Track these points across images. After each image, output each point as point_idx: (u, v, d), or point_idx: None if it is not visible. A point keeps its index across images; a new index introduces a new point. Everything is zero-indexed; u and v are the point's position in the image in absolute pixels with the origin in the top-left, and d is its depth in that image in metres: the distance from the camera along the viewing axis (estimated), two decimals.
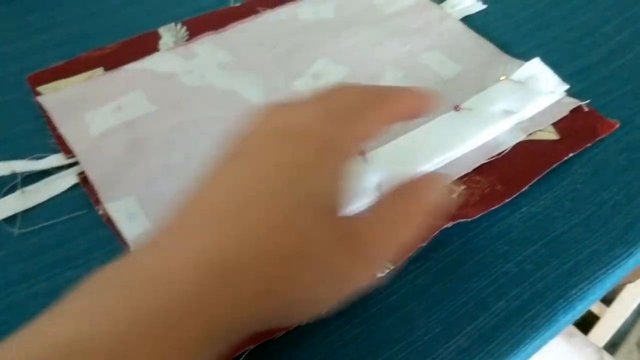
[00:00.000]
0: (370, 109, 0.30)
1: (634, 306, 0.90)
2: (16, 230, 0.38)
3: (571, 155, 0.43)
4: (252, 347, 0.33)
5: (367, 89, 0.32)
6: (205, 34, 0.51)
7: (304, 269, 0.25)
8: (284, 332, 0.33)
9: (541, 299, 0.36)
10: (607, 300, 0.91)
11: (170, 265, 0.24)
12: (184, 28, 0.52)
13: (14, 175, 0.39)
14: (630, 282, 0.87)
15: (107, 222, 0.38)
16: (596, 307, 0.92)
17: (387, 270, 0.36)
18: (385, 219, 0.29)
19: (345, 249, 0.27)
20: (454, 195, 0.40)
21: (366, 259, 0.28)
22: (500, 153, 0.43)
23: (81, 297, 0.24)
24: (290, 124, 0.28)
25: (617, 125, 0.45)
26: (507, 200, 0.40)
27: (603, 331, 0.90)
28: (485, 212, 0.39)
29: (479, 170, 0.42)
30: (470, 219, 0.38)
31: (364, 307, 0.35)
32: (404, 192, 0.31)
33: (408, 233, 0.29)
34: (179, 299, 0.23)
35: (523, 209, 0.40)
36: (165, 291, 0.23)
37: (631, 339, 0.97)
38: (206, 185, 0.27)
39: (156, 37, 0.51)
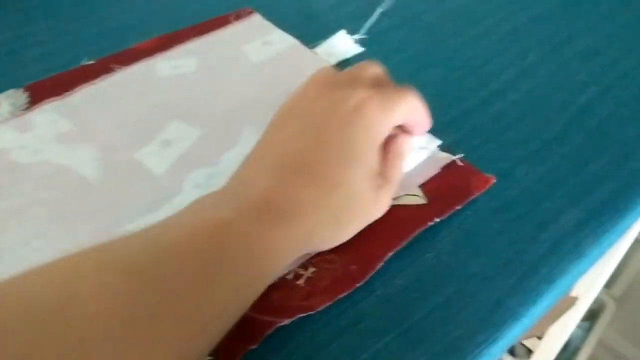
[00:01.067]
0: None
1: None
2: None
3: (437, 220, 0.38)
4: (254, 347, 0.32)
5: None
6: (47, 100, 0.46)
7: (341, 195, 0.34)
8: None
9: None
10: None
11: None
12: (26, 94, 0.47)
13: None
14: (535, 335, 0.83)
15: None
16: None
17: None
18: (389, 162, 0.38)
19: (374, 185, 0.36)
20: (301, 282, 0.36)
21: (387, 192, 0.38)
22: None
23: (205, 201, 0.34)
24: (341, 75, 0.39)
25: (493, 181, 0.41)
26: (359, 284, 0.35)
27: None
28: (332, 301, 0.34)
29: (334, 248, 0.37)
30: (313, 311, 0.34)
31: None
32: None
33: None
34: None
35: (378, 292, 0.36)
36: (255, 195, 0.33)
37: None
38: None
39: None
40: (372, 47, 0.51)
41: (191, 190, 0.40)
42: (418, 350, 0.33)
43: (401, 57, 0.51)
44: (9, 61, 0.50)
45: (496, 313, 0.35)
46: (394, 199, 0.40)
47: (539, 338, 0.83)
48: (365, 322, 0.34)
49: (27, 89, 0.47)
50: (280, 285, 0.36)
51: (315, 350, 0.33)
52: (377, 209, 0.37)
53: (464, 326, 0.34)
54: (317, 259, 0.37)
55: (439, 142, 0.43)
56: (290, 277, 0.36)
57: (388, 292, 0.36)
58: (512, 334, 0.35)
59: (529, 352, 0.86)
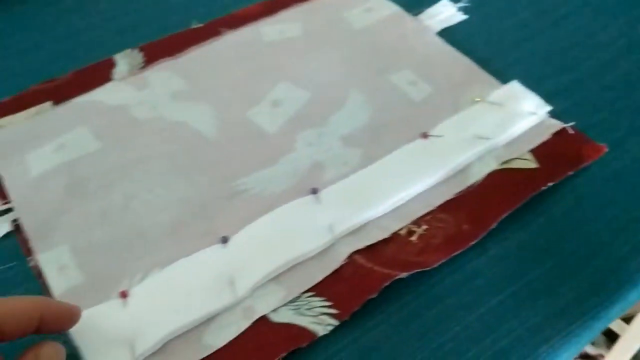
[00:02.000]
0: None
1: None
2: None
3: (550, 185, 0.38)
4: (373, 296, 0.33)
5: None
6: (161, 60, 0.48)
7: None
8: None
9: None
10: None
11: None
12: (141, 54, 0.49)
13: None
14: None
15: (38, 276, 0.36)
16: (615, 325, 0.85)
17: (330, 327, 0.32)
18: None
19: None
20: (414, 238, 0.37)
21: None
22: (470, 186, 0.39)
23: None
24: None
25: (605, 150, 0.41)
26: (473, 242, 0.36)
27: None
28: (446, 258, 0.35)
29: (445, 207, 0.38)
30: (428, 268, 0.35)
31: None
32: None
33: None
34: None
35: (491, 251, 0.36)
36: None
37: None
38: None
39: (110, 65, 0.48)
40: (475, 15, 0.51)
41: (304, 148, 0.42)
42: (532, 309, 0.34)
43: (505, 25, 0.50)
44: (125, 22, 0.52)
45: (611, 278, 0.35)
46: (505, 162, 0.40)
47: (626, 321, 0.80)
48: (479, 279, 0.35)
49: (141, 49, 0.49)
50: (394, 240, 0.36)
51: (432, 302, 0.34)
52: None
53: (577, 289, 0.34)
54: (429, 217, 0.38)
55: (548, 107, 0.42)
56: (403, 232, 0.37)
57: (501, 252, 0.36)
58: (628, 300, 0.35)
59: (611, 340, 0.83)
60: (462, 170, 0.40)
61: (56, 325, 0.30)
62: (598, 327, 0.34)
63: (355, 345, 0.32)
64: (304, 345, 0.32)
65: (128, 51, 0.49)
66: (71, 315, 0.30)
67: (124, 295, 0.34)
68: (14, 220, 0.38)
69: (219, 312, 0.33)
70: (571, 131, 0.41)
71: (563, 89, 0.45)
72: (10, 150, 0.42)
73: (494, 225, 0.36)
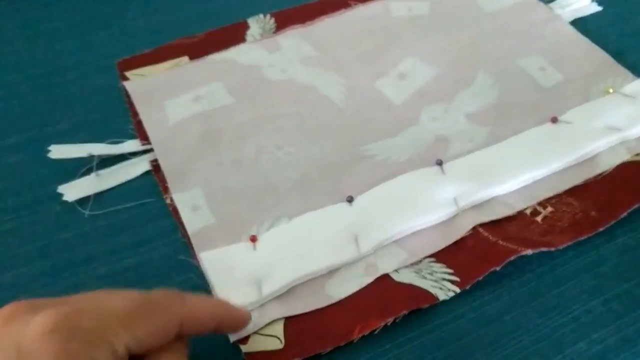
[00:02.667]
0: (127, 323, 0.25)
1: None
2: (87, 212, 0.38)
3: None
4: (496, 268, 0.33)
5: (133, 296, 0.27)
6: (292, 26, 0.50)
7: None
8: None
9: (629, 347, 0.31)
10: None
11: None
12: (272, 20, 0.51)
13: (90, 158, 0.40)
14: None
15: (173, 212, 0.38)
16: None
17: (451, 293, 0.33)
18: None
19: None
20: (539, 219, 0.36)
21: None
22: (599, 174, 0.38)
23: None
24: (17, 341, 0.23)
25: None
26: (601, 229, 0.35)
27: None
28: (572, 241, 0.35)
29: (572, 191, 0.38)
30: (554, 249, 0.34)
31: (419, 331, 0.32)
32: None
33: None
34: None
35: (619, 240, 0.36)
36: None
37: None
38: None
39: (244, 27, 0.50)
40: (610, 8, 0.50)
41: (428, 122, 0.42)
42: None
43: None
44: None
45: None
46: (637, 154, 0.39)
47: None
48: (605, 266, 0.35)
49: (273, 15, 0.51)
50: (519, 219, 0.36)
51: (554, 284, 0.34)
52: None
53: None
54: (555, 200, 0.37)
55: None
56: (528, 212, 0.37)
57: (630, 242, 0.35)
58: None
59: None
60: (592, 159, 0.39)
61: (228, 330, 0.31)
62: None
63: (475, 313, 0.33)
64: (425, 306, 0.32)
65: (261, 16, 0.51)
66: (243, 322, 0.31)
67: (253, 239, 0.36)
68: (153, 161, 0.41)
69: (342, 265, 0.35)
70: None
71: None
72: (151, 97, 0.44)
73: (624, 215, 0.36)
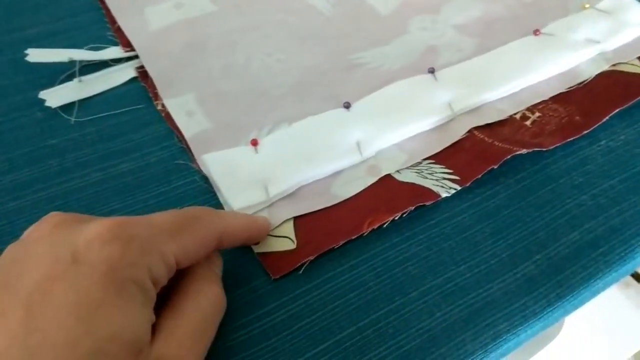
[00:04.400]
0: (174, 234, 0.25)
1: None
2: (72, 119, 0.36)
3: None
4: (494, 167, 0.34)
5: (174, 212, 0.27)
6: None
7: None
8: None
9: (616, 235, 0.33)
10: None
11: None
12: None
13: (71, 64, 0.38)
14: None
15: (166, 118, 0.37)
16: None
17: (452, 190, 0.34)
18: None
19: None
20: (528, 123, 0.38)
21: None
22: (581, 83, 0.40)
23: None
24: (72, 246, 0.23)
25: None
26: (586, 132, 0.37)
27: None
28: (561, 143, 0.37)
29: (557, 98, 0.39)
30: (545, 149, 0.36)
31: (425, 225, 0.33)
32: None
33: None
34: None
35: (602, 142, 0.38)
36: None
37: None
38: None
39: None
40: None
41: (417, 31, 0.42)
42: None
43: None
44: None
45: None
46: (615, 65, 0.41)
47: None
48: (591, 164, 0.36)
49: None
50: (510, 123, 0.38)
51: (546, 181, 0.36)
52: None
53: None
54: (541, 106, 0.39)
55: None
56: (517, 117, 0.38)
57: (611, 145, 0.37)
58: None
59: None
60: (573, 69, 0.41)
61: (255, 241, 0.31)
62: None
63: (476, 208, 0.34)
64: (429, 203, 0.33)
65: None
66: (265, 230, 0.31)
67: (254, 143, 0.35)
68: (139, 67, 0.39)
69: (345, 167, 0.35)
70: None
71: None
72: (128, 3, 0.42)
73: (606, 118, 0.38)
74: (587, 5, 0.44)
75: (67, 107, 0.37)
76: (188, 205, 0.33)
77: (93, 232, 0.23)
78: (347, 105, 0.37)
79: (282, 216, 0.33)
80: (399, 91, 0.38)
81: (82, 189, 0.33)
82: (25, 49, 0.39)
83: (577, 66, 0.41)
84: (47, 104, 0.36)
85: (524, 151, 0.35)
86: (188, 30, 0.41)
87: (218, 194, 0.33)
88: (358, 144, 0.35)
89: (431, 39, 0.42)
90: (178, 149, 0.36)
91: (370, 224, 0.32)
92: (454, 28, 0.43)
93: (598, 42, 0.42)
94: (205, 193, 0.34)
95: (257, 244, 0.31)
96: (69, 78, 0.38)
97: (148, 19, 0.41)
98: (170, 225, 0.25)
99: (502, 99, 0.39)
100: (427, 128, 0.37)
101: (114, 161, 0.35)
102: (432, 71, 0.39)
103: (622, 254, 0.33)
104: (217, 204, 0.33)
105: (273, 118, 0.37)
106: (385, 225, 0.32)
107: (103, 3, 0.42)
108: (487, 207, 0.34)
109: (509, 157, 0.35)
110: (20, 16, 0.41)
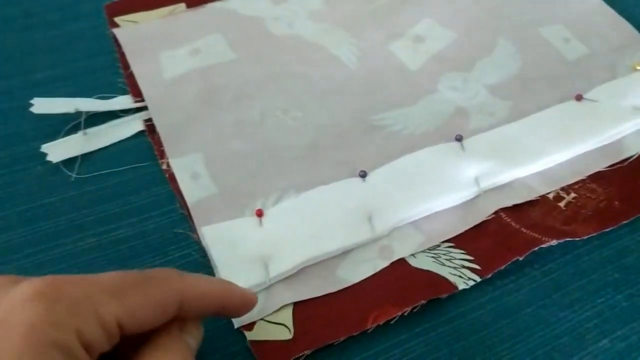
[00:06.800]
0: (118, 294, 0.22)
1: None
2: (73, 175, 0.35)
3: None
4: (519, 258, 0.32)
5: (126, 272, 0.24)
6: None
7: None
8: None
9: None
10: None
11: None
12: None
13: (77, 114, 0.36)
14: None
15: (170, 179, 0.35)
16: None
17: (472, 282, 0.31)
18: None
19: None
20: (562, 204, 0.34)
21: None
22: (625, 160, 0.36)
23: None
24: None
25: None
26: (625, 221, 0.34)
27: None
28: (596, 232, 0.33)
29: (596, 177, 0.36)
30: (578, 238, 0.33)
31: (437, 321, 0.30)
32: None
33: None
34: None
35: None
36: None
37: None
38: None
39: None
40: None
41: (447, 91, 0.39)
42: None
43: None
44: None
45: None
46: None
47: None
48: (629, 258, 0.33)
49: None
50: (541, 204, 0.34)
51: (577, 275, 0.32)
52: None
53: None
54: (578, 185, 0.35)
55: None
56: (550, 197, 0.35)
57: None
58: None
59: None
60: (617, 142, 0.37)
61: (232, 313, 0.28)
62: None
63: (495, 304, 0.31)
64: (444, 296, 0.30)
65: None
66: (249, 304, 0.27)
67: (259, 214, 0.33)
68: (147, 120, 0.37)
69: (355, 246, 0.32)
70: None
71: None
72: (144, 48, 0.40)
73: None
74: (638, 67, 0.40)
75: (69, 161, 0.35)
76: None
77: (19, 292, 0.20)
78: (362, 175, 0.35)
79: (281, 301, 0.30)
80: (422, 161, 0.35)
81: (74, 255, 0.32)
82: (34, 93, 0.37)
83: (621, 139, 0.37)
84: (49, 158, 0.35)
85: (554, 242, 0.32)
86: (203, 80, 0.39)
87: (215, 271, 0.31)
88: (370, 220, 0.33)
89: (461, 100, 0.39)
90: (179, 216, 0.33)
91: (376, 319, 0.29)
92: (486, 88, 0.39)
93: None
94: (202, 268, 0.31)
95: (243, 318, 0.28)
96: (75, 128, 0.36)
97: (162, 65, 0.39)
98: (115, 284, 0.22)
99: (534, 174, 0.35)
100: (449, 205, 0.34)
101: (110, 225, 0.33)
102: (459, 139, 0.36)
103: None
104: None
105: (282, 184, 0.34)
106: (393, 320, 0.30)
107: (119, 46, 0.40)
108: (507, 302, 0.31)
109: (536, 248, 0.32)
110: (33, 57, 0.40)
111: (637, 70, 0.40)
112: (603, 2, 0.45)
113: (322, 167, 0.35)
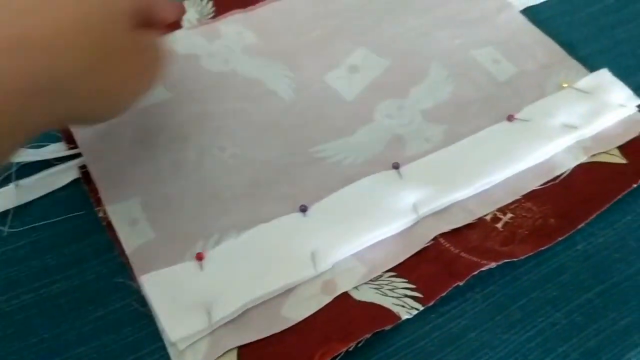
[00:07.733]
0: None
1: None
2: (5, 230, 0.34)
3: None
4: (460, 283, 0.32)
5: None
6: (232, 11, 0.46)
7: (102, 63, 0.27)
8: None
9: None
10: None
11: None
12: (211, 3, 0.46)
13: (7, 165, 0.35)
14: None
15: (108, 227, 0.34)
16: None
17: (414, 311, 0.31)
18: None
19: (145, 53, 0.31)
20: (499, 225, 0.35)
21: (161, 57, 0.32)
22: (557, 177, 0.37)
23: None
24: None
25: None
26: (560, 238, 0.35)
27: None
28: (533, 252, 0.34)
29: (531, 195, 0.37)
30: (516, 259, 0.33)
31: (382, 354, 0.30)
32: None
33: None
34: None
35: (579, 247, 0.35)
36: None
37: None
38: None
39: None
40: None
41: (383, 119, 0.40)
42: (621, 310, 0.32)
43: (592, 10, 0.48)
44: None
45: None
46: (593, 155, 0.38)
47: None
48: (566, 274, 0.34)
49: None
50: (479, 226, 0.35)
51: (517, 295, 0.33)
52: (138, 54, 0.30)
53: None
54: (514, 205, 0.36)
55: (638, 101, 0.41)
56: (488, 218, 0.35)
57: (589, 250, 0.35)
58: None
59: None
60: (549, 160, 0.38)
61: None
62: None
63: (440, 331, 0.31)
64: (388, 327, 0.31)
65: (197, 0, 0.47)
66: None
67: (199, 257, 0.32)
68: (82, 167, 0.36)
69: (298, 283, 0.32)
70: None
71: None
72: None
73: (582, 225, 0.35)
74: (565, 85, 0.42)
75: (1, 214, 0.34)
76: (125, 333, 0.30)
77: None
78: (303, 209, 0.35)
79: (225, 345, 0.30)
80: (360, 192, 0.36)
81: (9, 314, 0.31)
82: None
83: (553, 157, 0.38)
84: None
85: (493, 264, 0.33)
86: (138, 122, 0.38)
87: (156, 320, 0.30)
88: (313, 256, 0.33)
89: (397, 127, 0.39)
90: (118, 264, 0.33)
91: (322, 357, 0.29)
92: (422, 114, 0.40)
93: (576, 127, 0.39)
94: (142, 318, 0.31)
95: None
96: (6, 180, 0.35)
97: None
98: None
99: (471, 197, 0.36)
100: (390, 234, 0.34)
101: (47, 280, 0.32)
102: (396, 167, 0.37)
103: None
104: (155, 330, 0.30)
105: (222, 224, 0.34)
106: (338, 357, 0.30)
107: None
108: (451, 329, 0.31)
109: (476, 272, 0.32)
110: None
111: (564, 87, 0.42)
112: (529, 22, 0.46)
113: (263, 203, 0.35)
